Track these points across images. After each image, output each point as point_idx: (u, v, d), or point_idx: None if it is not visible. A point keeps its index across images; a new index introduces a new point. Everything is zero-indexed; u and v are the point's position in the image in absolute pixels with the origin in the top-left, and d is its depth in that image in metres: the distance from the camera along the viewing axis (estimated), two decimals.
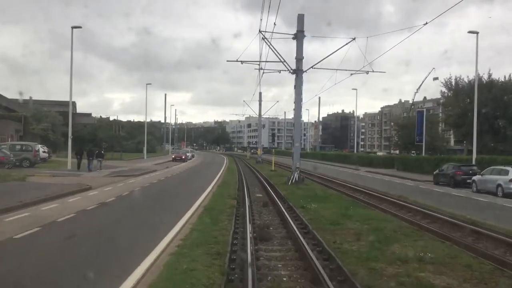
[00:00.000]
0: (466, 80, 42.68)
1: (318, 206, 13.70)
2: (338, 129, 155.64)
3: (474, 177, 22.15)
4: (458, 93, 42.52)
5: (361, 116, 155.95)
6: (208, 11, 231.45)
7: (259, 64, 26.19)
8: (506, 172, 19.83)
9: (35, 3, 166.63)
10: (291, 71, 21.63)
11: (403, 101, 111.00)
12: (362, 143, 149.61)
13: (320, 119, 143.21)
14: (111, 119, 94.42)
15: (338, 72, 29.07)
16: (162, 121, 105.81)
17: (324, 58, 29.39)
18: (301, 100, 21.48)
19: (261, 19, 31.72)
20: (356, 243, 8.77)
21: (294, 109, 21.81)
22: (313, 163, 48.65)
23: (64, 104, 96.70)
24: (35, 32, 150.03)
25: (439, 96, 50.45)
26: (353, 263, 7.08)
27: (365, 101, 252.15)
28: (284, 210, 12.64)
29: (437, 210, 13.69)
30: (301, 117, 23.75)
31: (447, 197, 19.58)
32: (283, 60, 21.72)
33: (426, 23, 15.92)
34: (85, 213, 11.99)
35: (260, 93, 56.22)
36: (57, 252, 7.77)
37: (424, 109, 47.96)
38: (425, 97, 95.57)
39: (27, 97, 65.32)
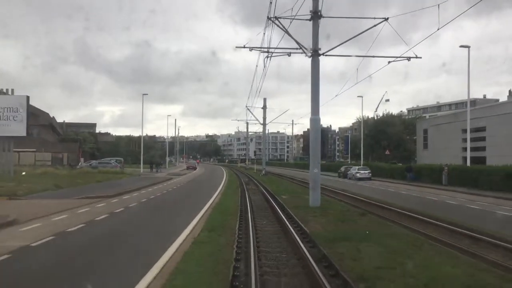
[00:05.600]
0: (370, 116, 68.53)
1: (267, 181, 38.15)
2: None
3: (348, 172, 46.67)
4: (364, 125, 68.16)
5: (337, 129, 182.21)
6: (208, 24, 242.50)
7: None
8: (355, 169, 44.46)
9: (37, 16, 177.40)
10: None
11: (369, 117, 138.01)
12: (338, 154, 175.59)
13: (301, 133, 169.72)
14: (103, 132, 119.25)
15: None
16: (157, 135, 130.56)
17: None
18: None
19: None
20: (275, 186, 33.19)
21: (261, 143, 46.73)
22: (282, 169, 73.26)
23: (89, 125, 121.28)
24: (36, 45, 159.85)
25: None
26: (267, 184, 31.51)
27: (365, 112, 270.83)
28: (255, 180, 37.02)
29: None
30: (267, 144, 48.32)
31: (330, 179, 43.97)
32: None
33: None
34: (182, 185, 35.06)
35: (247, 123, 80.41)
36: (181, 190, 31.84)
37: (349, 133, 73.72)
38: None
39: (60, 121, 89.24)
